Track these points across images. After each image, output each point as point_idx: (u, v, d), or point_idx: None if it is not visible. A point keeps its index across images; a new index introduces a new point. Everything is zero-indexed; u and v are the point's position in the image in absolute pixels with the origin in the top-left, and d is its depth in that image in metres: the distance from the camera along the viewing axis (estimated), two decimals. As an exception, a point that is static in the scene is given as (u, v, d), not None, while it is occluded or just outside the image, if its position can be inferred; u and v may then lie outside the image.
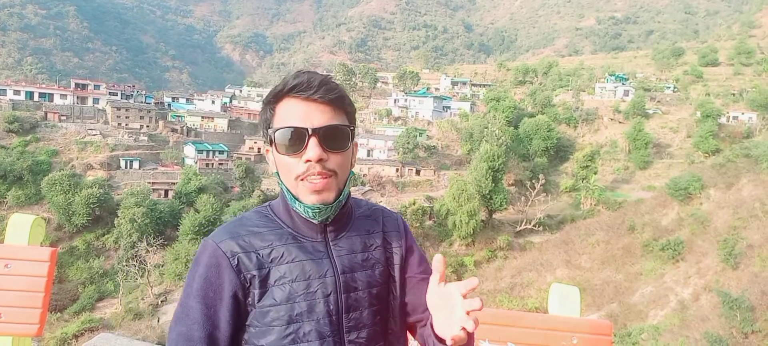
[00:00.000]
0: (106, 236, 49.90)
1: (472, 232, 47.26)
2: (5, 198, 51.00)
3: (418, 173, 62.02)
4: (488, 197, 50.08)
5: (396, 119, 78.82)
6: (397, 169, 61.13)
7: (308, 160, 1.30)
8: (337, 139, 1.34)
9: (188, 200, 53.88)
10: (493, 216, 52.51)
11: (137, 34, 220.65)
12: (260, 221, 1.39)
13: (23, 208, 48.97)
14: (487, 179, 49.27)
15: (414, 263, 1.56)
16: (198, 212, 46.31)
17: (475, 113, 75.92)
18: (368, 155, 63.60)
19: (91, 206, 49.01)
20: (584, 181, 56.27)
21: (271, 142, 1.37)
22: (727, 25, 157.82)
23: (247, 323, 1.34)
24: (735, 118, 70.79)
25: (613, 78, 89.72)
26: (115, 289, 41.91)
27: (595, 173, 57.93)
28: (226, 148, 74.15)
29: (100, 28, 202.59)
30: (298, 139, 1.30)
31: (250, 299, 1.34)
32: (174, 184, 59.94)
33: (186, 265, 42.57)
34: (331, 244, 1.40)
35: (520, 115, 72.87)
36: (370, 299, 1.43)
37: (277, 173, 1.39)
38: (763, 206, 38.50)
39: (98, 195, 50.07)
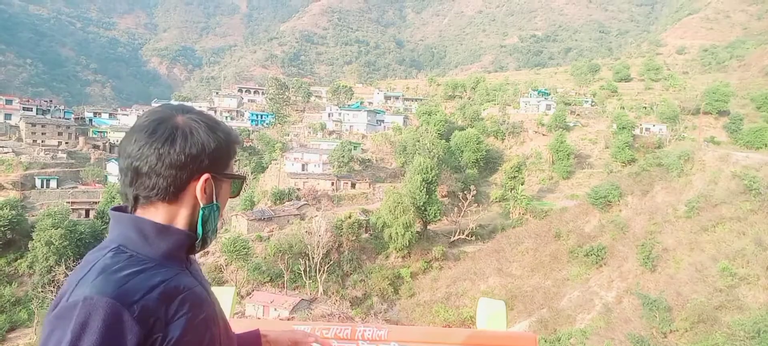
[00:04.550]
0: (18, 261, 46.19)
1: (408, 243, 47.77)
2: None
3: (353, 186, 62.06)
4: (423, 208, 50.88)
5: (330, 133, 78.65)
6: (333, 183, 60.89)
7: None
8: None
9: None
10: (428, 227, 53.36)
11: (55, 46, 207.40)
12: (129, 261, 1.30)
13: None
14: (421, 191, 50.08)
15: None
16: (123, 233, 43.86)
17: (408, 127, 77.19)
18: (303, 169, 62.97)
19: (2, 229, 45.36)
20: (512, 191, 58.36)
21: (226, 179, 1.50)
22: (636, 43, 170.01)
23: None
24: (647, 129, 76.09)
25: (536, 93, 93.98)
26: (30, 318, 38.90)
27: (522, 184, 60.25)
28: (153, 165, 70.98)
29: (13, 40, 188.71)
30: (241, 185, 1.57)
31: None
32: (96, 203, 56.61)
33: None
34: (191, 270, 1.46)
35: (451, 128, 74.81)
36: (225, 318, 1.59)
37: (217, 203, 1.46)
38: (675, 211, 41.52)
39: (9, 217, 46.37)
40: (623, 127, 69.90)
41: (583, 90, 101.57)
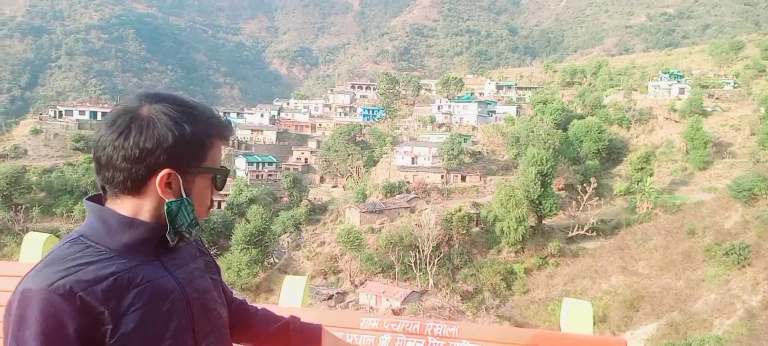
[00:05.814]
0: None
1: (521, 238, 46.33)
2: (72, 212, 53.90)
3: (463, 179, 61.43)
4: (537, 202, 48.97)
5: (440, 126, 78.48)
6: (443, 176, 60.75)
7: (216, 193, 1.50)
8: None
9: (240, 211, 55.36)
10: (543, 222, 51.30)
11: (191, 53, 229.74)
12: (84, 252, 1.28)
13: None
14: (535, 184, 48.20)
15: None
16: (249, 222, 47.48)
17: (521, 117, 74.60)
18: (413, 162, 63.52)
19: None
20: (639, 183, 54.25)
21: (198, 172, 1.42)
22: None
23: None
24: (803, 113, 66.60)
25: (667, 76, 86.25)
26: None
27: (651, 175, 55.77)
28: (275, 160, 75.90)
29: (157, 49, 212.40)
30: (225, 179, 1.50)
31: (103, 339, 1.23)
32: (226, 195, 61.75)
33: (238, 273, 43.74)
34: (164, 261, 1.40)
35: (568, 117, 71.07)
36: (213, 304, 1.51)
37: (187, 198, 1.39)
38: (838, 205, 35.94)
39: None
40: (773, 111, 61.61)
41: (723, 71, 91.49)
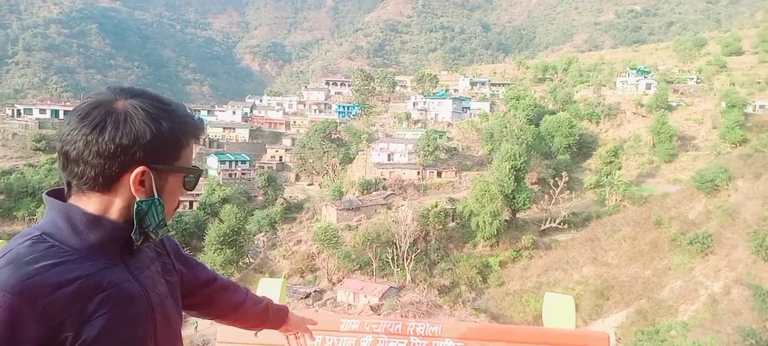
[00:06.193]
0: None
1: (495, 232, 46.93)
2: (34, 215, 52.35)
3: (439, 175, 61.86)
4: (511, 196, 49.70)
5: (415, 122, 78.74)
6: (419, 172, 61.07)
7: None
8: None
9: (213, 211, 54.63)
10: (517, 216, 52.07)
11: (158, 48, 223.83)
12: (47, 252, 1.19)
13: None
14: (509, 179, 48.91)
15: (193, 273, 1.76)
16: (223, 222, 46.91)
17: (495, 113, 75.42)
18: (389, 159, 63.69)
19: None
20: (608, 177, 55.47)
21: (171, 171, 1.38)
22: (750, 13, 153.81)
23: None
24: (761, 106, 68.95)
25: (634, 72, 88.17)
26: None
27: (620, 169, 57.10)
28: (249, 158, 75.07)
29: (122, 45, 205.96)
30: (197, 178, 1.47)
31: None
32: (198, 195, 60.85)
33: (213, 274, 43.18)
34: (128, 264, 1.34)
35: (540, 112, 72.14)
36: (172, 310, 1.48)
37: (158, 198, 1.33)
38: (794, 195, 37.48)
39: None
40: (733, 105, 63.64)
41: (687, 66, 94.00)
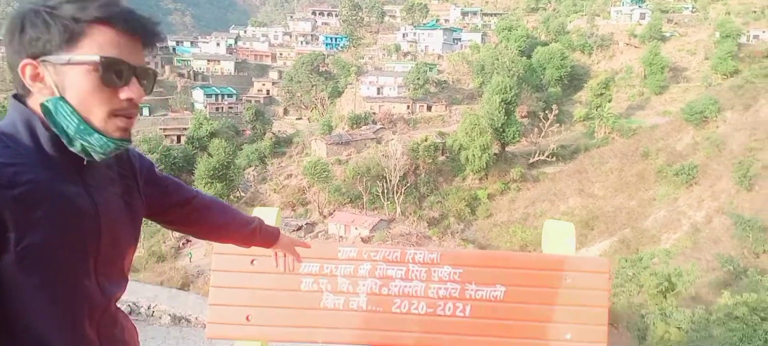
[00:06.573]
0: (123, 184, 50.75)
1: (485, 166, 47.26)
2: None
3: (429, 108, 61.47)
4: (501, 130, 49.73)
5: (405, 55, 77.42)
6: (408, 106, 60.61)
7: (130, 99, 1.19)
8: (150, 82, 1.27)
9: (201, 145, 54.29)
10: (506, 149, 52.32)
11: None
12: (4, 151, 1.12)
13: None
14: (499, 112, 48.76)
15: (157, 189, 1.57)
16: (211, 157, 46.72)
17: (486, 44, 74.20)
18: (378, 93, 62.97)
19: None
20: (598, 109, 55.45)
21: (66, 64, 1.14)
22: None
23: None
24: (756, 37, 68.38)
25: (629, 0, 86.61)
26: (137, 234, 43.07)
27: (610, 101, 56.99)
28: (235, 92, 73.94)
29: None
30: (121, 74, 1.17)
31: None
32: (185, 129, 60.25)
33: (204, 208, 43.41)
34: (84, 179, 1.23)
35: (532, 44, 71.10)
36: (122, 235, 1.34)
37: (61, 97, 1.13)
38: (781, 125, 37.81)
39: (113, 143, 50.58)
40: (727, 36, 62.94)
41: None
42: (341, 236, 39.75)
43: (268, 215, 2.56)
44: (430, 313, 2.36)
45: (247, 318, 2.49)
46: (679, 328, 13.25)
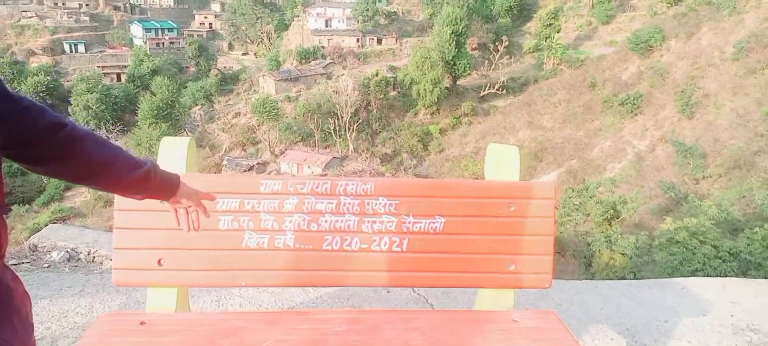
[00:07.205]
0: (59, 127, 48.11)
1: (436, 100, 47.21)
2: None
3: (379, 42, 60.29)
4: (452, 63, 49.44)
5: (354, -15, 74.89)
6: (358, 40, 59.21)
7: None
8: None
9: (143, 83, 51.72)
10: (457, 83, 52.28)
11: None
12: None
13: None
14: (450, 45, 48.30)
15: None
16: (155, 95, 44.64)
17: (436, -25, 72.46)
18: (327, 26, 61.06)
19: (40, 94, 46.63)
20: (547, 40, 55.73)
21: None
22: None
23: None
24: (698, -34, 69.57)
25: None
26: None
27: (558, 32, 57.25)
28: (176, 26, 70.13)
29: None
30: None
31: None
32: (125, 67, 57.11)
33: (149, 149, 41.83)
34: None
35: (483, -27, 69.96)
36: None
37: None
38: (721, 53, 39.13)
39: (46, 83, 47.47)
40: (674, -37, 63.69)
41: None
42: (294, 175, 39.38)
43: (178, 146, 2.18)
44: (365, 249, 2.14)
45: (159, 262, 2.18)
46: (623, 254, 13.82)
